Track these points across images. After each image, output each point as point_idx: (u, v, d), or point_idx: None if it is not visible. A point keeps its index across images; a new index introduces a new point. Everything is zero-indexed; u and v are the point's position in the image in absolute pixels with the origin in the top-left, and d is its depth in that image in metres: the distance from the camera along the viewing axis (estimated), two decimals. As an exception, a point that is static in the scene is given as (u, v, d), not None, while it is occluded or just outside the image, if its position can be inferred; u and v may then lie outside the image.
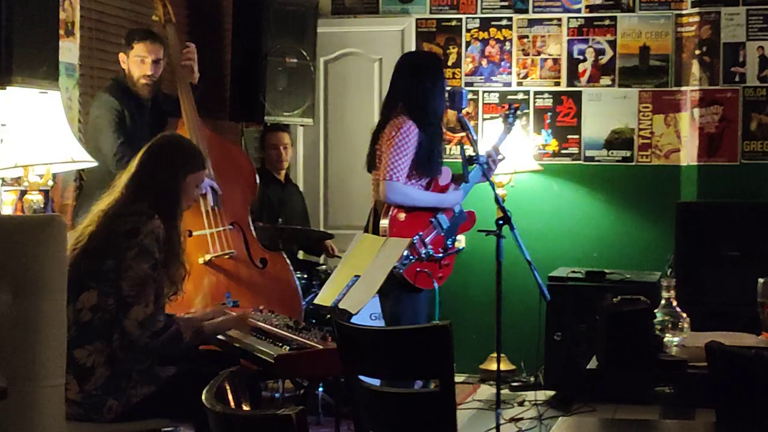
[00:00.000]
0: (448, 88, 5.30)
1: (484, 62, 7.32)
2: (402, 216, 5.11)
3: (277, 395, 6.19)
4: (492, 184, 5.14)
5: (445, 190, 5.28)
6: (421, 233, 5.09)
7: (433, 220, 5.15)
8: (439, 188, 5.26)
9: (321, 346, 4.02)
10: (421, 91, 5.15)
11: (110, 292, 3.90)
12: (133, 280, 3.89)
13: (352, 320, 4.10)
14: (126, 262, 3.89)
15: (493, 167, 5.39)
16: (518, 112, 5.74)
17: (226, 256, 5.45)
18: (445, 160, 5.49)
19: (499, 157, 5.42)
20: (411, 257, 4.96)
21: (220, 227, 5.48)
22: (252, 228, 5.68)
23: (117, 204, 4.07)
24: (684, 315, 3.78)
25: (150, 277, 3.92)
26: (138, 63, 5.38)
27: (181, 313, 4.82)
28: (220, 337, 4.33)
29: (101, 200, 4.16)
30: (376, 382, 3.92)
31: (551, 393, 6.45)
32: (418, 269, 4.98)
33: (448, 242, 5.20)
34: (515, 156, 6.86)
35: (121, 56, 5.42)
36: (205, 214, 5.45)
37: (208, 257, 5.42)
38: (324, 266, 6.53)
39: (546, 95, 7.24)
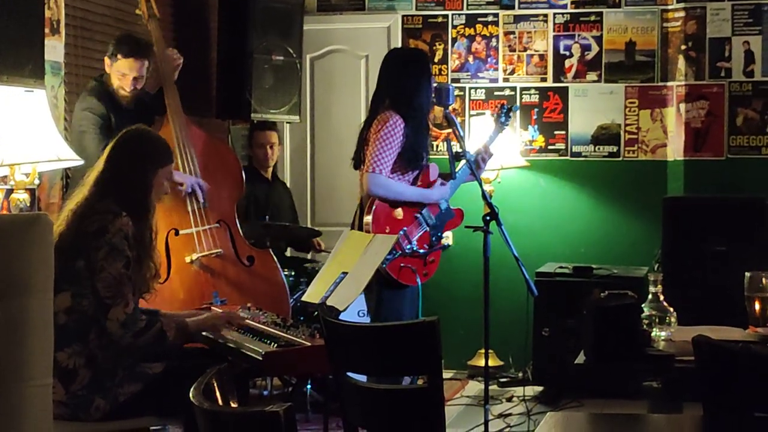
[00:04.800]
0: (435, 85, 5.31)
1: (471, 58, 7.32)
2: (400, 213, 5.11)
3: (265, 392, 6.18)
4: (479, 181, 5.14)
5: (433, 185, 5.29)
6: (405, 228, 5.09)
7: (418, 215, 5.16)
8: (428, 181, 5.27)
9: (309, 343, 4.02)
10: (408, 86, 5.17)
11: (84, 293, 3.88)
12: (107, 281, 3.87)
13: (340, 317, 4.10)
14: (98, 262, 3.87)
15: (482, 165, 5.40)
16: (511, 112, 5.75)
17: (213, 255, 5.44)
18: (431, 156, 5.51)
19: (489, 155, 5.43)
20: (395, 252, 4.96)
21: (206, 225, 5.47)
22: (239, 225, 5.67)
23: (85, 202, 4.04)
24: (671, 309, 3.79)
25: (124, 276, 3.90)
26: (119, 76, 5.34)
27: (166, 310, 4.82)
28: (207, 334, 4.31)
29: (71, 199, 4.13)
30: (363, 378, 3.92)
31: (539, 388, 6.46)
32: (402, 264, 4.98)
33: (434, 238, 5.20)
34: (502, 152, 6.88)
35: (106, 60, 5.38)
36: (192, 213, 5.44)
37: (195, 256, 5.40)
38: (311, 263, 6.53)
39: (532, 91, 7.25)
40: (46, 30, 5.09)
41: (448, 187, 5.29)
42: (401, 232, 5.04)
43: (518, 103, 7.23)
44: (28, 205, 4.70)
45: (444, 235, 5.36)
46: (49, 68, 5.14)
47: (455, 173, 5.45)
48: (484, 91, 7.32)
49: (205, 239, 5.46)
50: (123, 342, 3.87)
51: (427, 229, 5.19)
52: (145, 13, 5.71)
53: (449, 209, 5.35)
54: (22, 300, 3.23)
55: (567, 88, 7.21)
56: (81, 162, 4.85)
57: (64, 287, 3.85)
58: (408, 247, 5.02)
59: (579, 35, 7.17)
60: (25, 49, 4.69)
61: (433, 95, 5.25)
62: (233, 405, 2.57)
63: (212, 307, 4.77)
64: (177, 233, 5.40)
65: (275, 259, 5.71)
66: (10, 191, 4.72)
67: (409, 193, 5.17)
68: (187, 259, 5.41)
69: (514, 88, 7.27)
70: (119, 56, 5.32)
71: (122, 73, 5.33)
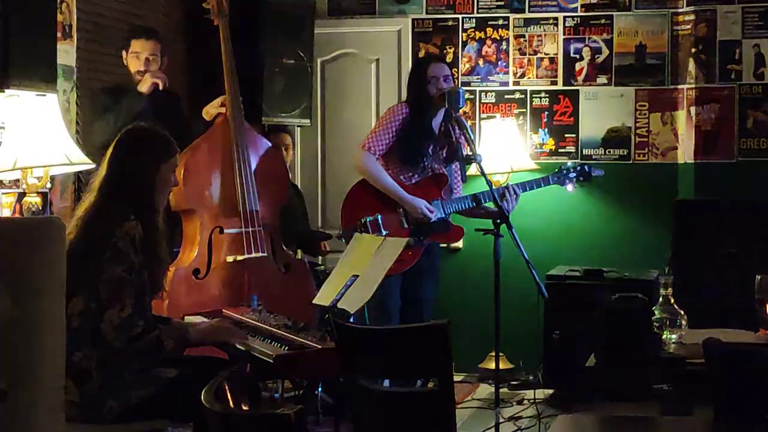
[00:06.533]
0: (446, 88, 5.37)
1: (481, 62, 7.32)
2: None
3: (276, 395, 6.19)
4: (489, 183, 5.16)
5: (440, 188, 5.41)
6: (380, 216, 5.23)
7: (401, 210, 5.30)
8: (441, 186, 5.40)
9: (320, 346, 4.02)
10: (408, 90, 5.59)
11: (93, 296, 3.88)
12: (108, 284, 3.85)
13: (351, 320, 4.11)
14: (102, 265, 3.86)
15: (509, 198, 5.44)
16: (574, 182, 5.79)
17: (255, 258, 5.48)
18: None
19: (515, 197, 5.49)
20: (359, 231, 5.06)
21: (251, 227, 5.50)
22: (279, 232, 5.72)
23: (92, 207, 4.02)
24: (682, 312, 3.80)
25: (125, 280, 3.87)
26: (134, 59, 5.57)
27: (200, 308, 4.84)
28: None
29: (80, 205, 4.13)
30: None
31: (550, 391, 6.46)
32: None
33: (411, 240, 5.29)
34: (512, 155, 6.89)
35: (123, 55, 5.60)
36: (241, 214, 5.47)
37: (236, 257, 5.44)
38: (322, 266, 6.54)
39: (543, 94, 7.25)
40: (58, 34, 5.11)
41: (439, 210, 5.40)
42: (374, 217, 5.20)
43: (528, 106, 7.23)
44: (40, 208, 4.72)
45: (424, 242, 5.45)
46: (61, 72, 5.17)
47: (465, 176, 5.51)
48: (494, 94, 7.31)
49: (249, 241, 5.49)
50: (115, 345, 3.84)
51: (406, 227, 5.30)
52: (215, 8, 5.76)
53: (447, 223, 5.44)
54: (34, 302, 3.25)
55: (577, 91, 7.21)
56: (92, 165, 4.87)
57: (77, 291, 3.85)
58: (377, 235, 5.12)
59: (589, 38, 7.17)
60: (37, 54, 4.71)
61: (444, 99, 5.32)
62: (244, 407, 2.58)
63: (224, 310, 4.78)
64: (222, 231, 5.44)
65: (308, 268, 5.76)
66: (22, 195, 4.75)
67: (389, 185, 5.39)
68: (229, 259, 5.44)
69: (524, 92, 7.27)
70: (132, 40, 5.52)
71: (136, 54, 5.53)
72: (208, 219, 5.48)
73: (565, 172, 5.73)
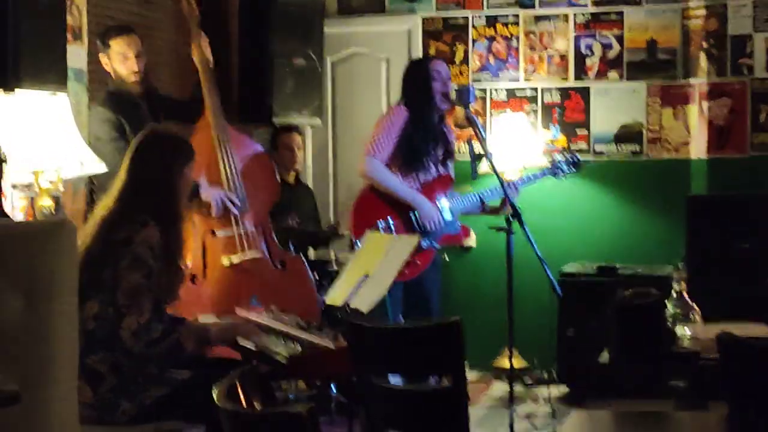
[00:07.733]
0: (455, 86, 5.37)
1: (491, 59, 7.32)
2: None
3: (291, 396, 6.19)
4: (501, 181, 5.15)
5: (445, 190, 5.41)
6: (391, 220, 5.22)
7: (412, 215, 5.27)
8: (445, 188, 5.41)
9: (333, 346, 4.02)
10: (407, 89, 5.49)
11: (109, 301, 3.88)
12: (126, 290, 3.84)
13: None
14: (120, 271, 3.86)
15: (511, 196, 5.45)
16: (565, 172, 5.77)
17: (249, 258, 5.47)
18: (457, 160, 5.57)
19: (516, 191, 5.48)
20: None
21: (243, 228, 5.49)
22: (272, 230, 5.71)
23: (111, 213, 4.01)
24: (695, 307, 3.79)
25: (143, 286, 3.87)
26: (122, 60, 5.33)
27: (200, 312, 4.83)
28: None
29: (96, 209, 4.12)
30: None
31: (565, 389, 6.45)
32: None
33: (423, 242, 5.27)
34: (524, 152, 6.88)
35: (103, 59, 5.37)
36: (231, 215, 5.46)
37: (231, 258, 5.43)
38: (334, 267, 6.53)
39: (554, 91, 7.23)
40: (69, 37, 5.10)
41: (449, 210, 5.41)
42: (385, 222, 5.18)
43: (539, 103, 7.22)
44: (53, 211, 4.72)
45: (434, 243, 5.44)
46: (72, 75, 5.16)
47: (476, 174, 5.51)
48: (505, 91, 7.31)
49: (243, 242, 5.48)
50: (135, 351, 3.85)
51: (417, 230, 5.30)
52: (185, 8, 5.72)
53: (455, 223, 5.42)
54: (47, 304, 3.26)
55: (588, 87, 7.20)
56: (105, 169, 4.87)
57: (92, 295, 3.85)
58: None
59: (600, 34, 7.16)
60: (47, 56, 4.70)
61: (455, 97, 5.31)
62: (257, 407, 2.58)
63: (236, 310, 4.78)
64: (214, 234, 5.44)
65: (306, 264, 5.75)
66: (34, 197, 4.75)
67: (399, 187, 5.34)
68: (225, 262, 5.44)
69: (535, 89, 7.26)
70: (110, 41, 5.32)
71: (123, 56, 5.31)
72: (200, 223, 5.46)
73: (556, 163, 5.74)
